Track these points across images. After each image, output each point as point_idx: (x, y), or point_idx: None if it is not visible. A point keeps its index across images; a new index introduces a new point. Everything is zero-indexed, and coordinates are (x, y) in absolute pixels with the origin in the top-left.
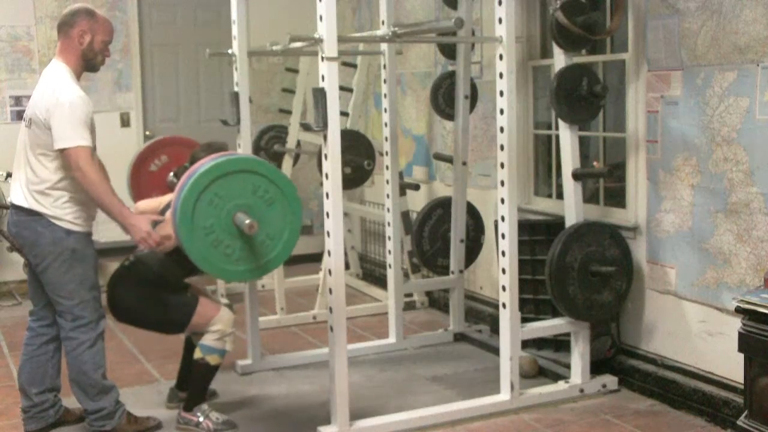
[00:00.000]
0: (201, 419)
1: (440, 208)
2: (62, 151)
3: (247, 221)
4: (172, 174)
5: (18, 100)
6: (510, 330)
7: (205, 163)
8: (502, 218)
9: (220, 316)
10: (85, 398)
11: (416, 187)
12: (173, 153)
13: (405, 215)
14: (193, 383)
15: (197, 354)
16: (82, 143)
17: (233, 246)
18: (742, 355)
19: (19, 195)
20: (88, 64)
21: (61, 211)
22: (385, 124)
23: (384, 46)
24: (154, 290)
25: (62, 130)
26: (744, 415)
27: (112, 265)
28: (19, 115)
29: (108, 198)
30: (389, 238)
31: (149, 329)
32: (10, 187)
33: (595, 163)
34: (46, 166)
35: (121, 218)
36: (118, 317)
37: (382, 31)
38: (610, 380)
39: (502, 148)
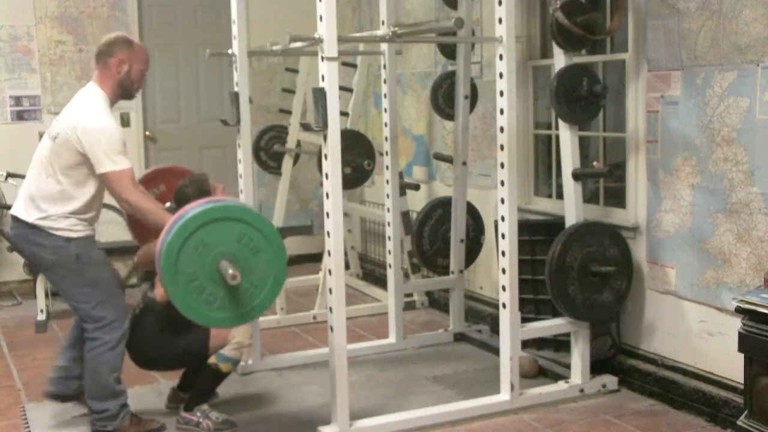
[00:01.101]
0: (201, 419)
1: (440, 208)
2: (104, 175)
3: (230, 271)
4: (168, 205)
5: (18, 100)
6: (510, 330)
7: (192, 209)
8: (502, 218)
9: (236, 330)
10: (93, 399)
11: (416, 187)
12: (171, 183)
13: (405, 215)
14: (200, 385)
15: (211, 359)
16: (123, 167)
17: (216, 294)
18: (742, 355)
19: (20, 206)
20: (125, 92)
21: (57, 224)
22: (385, 124)
23: (384, 46)
24: (167, 333)
25: (103, 155)
26: (744, 415)
27: (116, 264)
28: (19, 115)
29: (159, 218)
30: (389, 238)
31: (176, 369)
32: (14, 190)
33: (595, 163)
34: (57, 178)
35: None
36: (142, 366)
37: (382, 31)
38: (610, 380)
39: (502, 148)
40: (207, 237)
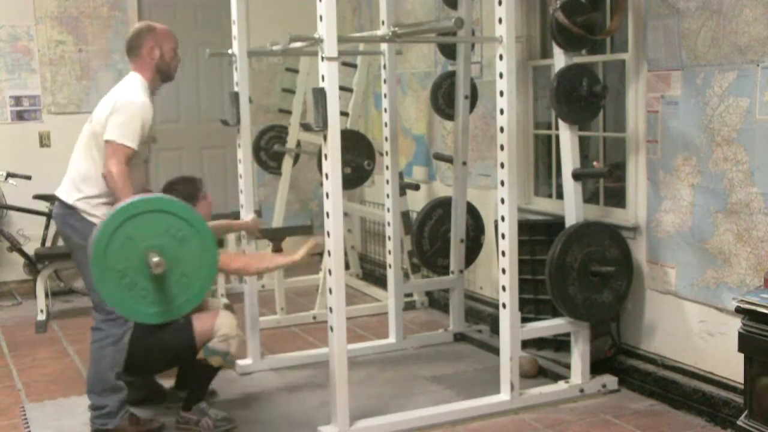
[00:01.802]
0: (200, 418)
1: (440, 208)
2: (107, 142)
3: (155, 259)
4: None
5: (18, 100)
6: (510, 330)
7: (114, 208)
8: (502, 218)
9: (221, 322)
10: (93, 393)
11: (416, 187)
12: None
13: (405, 215)
14: (193, 383)
15: (199, 354)
16: (126, 142)
17: (148, 288)
18: (742, 355)
19: (62, 188)
20: (163, 75)
21: (93, 209)
22: (385, 124)
23: (384, 46)
24: (148, 332)
25: (114, 125)
26: (744, 415)
27: None
28: (19, 115)
29: (122, 194)
30: (389, 238)
31: (168, 368)
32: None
33: (595, 163)
34: (95, 161)
35: None
36: (137, 374)
37: (382, 31)
38: (610, 380)
39: (502, 148)
40: (132, 231)
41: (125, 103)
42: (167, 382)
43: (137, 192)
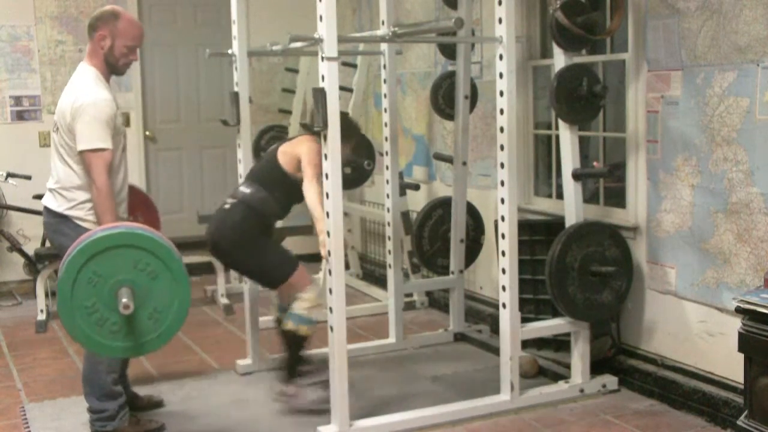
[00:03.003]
0: (298, 393)
1: (440, 208)
2: (81, 153)
3: (123, 300)
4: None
5: (18, 100)
6: (510, 330)
7: (80, 241)
8: (502, 218)
9: (312, 286)
10: (92, 396)
11: (416, 187)
12: (147, 214)
13: (405, 215)
14: (288, 355)
15: (289, 325)
16: (100, 145)
17: (119, 322)
18: (742, 355)
19: (48, 197)
20: (110, 68)
21: (84, 213)
22: (385, 124)
23: (384, 46)
24: (257, 236)
25: (82, 133)
26: (744, 415)
27: None
28: (19, 115)
29: (105, 214)
30: (389, 238)
31: (247, 275)
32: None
33: (595, 163)
34: (72, 168)
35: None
36: (219, 258)
37: (382, 31)
38: (610, 380)
39: (502, 148)
40: (100, 268)
41: (82, 107)
42: (171, 385)
43: (120, 194)
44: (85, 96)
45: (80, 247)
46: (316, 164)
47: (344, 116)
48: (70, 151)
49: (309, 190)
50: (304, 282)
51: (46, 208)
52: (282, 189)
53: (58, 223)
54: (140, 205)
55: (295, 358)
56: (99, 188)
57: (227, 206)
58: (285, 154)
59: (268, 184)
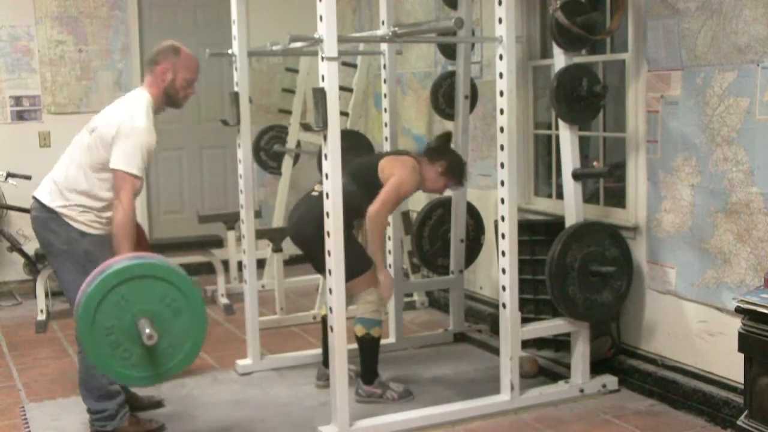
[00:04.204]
0: (384, 390)
1: (440, 208)
2: (114, 171)
3: (147, 331)
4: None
5: (18, 100)
6: (510, 330)
7: (117, 262)
8: (502, 218)
9: (376, 287)
10: (90, 398)
11: None
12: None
13: (405, 215)
14: (365, 358)
15: (360, 332)
16: (136, 172)
17: (132, 350)
18: (742, 355)
19: (44, 190)
20: (170, 100)
21: (78, 215)
22: (385, 124)
23: (384, 46)
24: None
25: (123, 153)
26: (744, 415)
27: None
28: (19, 115)
29: (125, 239)
30: (389, 238)
31: (316, 265)
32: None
33: (595, 163)
34: (86, 175)
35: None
36: (299, 245)
37: (382, 31)
38: (610, 380)
39: (502, 148)
40: (130, 293)
41: (131, 129)
42: (171, 387)
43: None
44: (139, 120)
45: (117, 268)
46: (394, 199)
47: (447, 137)
48: (93, 158)
49: (373, 220)
50: (370, 284)
51: (37, 201)
52: (370, 193)
53: (48, 219)
54: None
55: (374, 359)
56: (125, 211)
57: (315, 193)
58: (385, 169)
59: (361, 182)
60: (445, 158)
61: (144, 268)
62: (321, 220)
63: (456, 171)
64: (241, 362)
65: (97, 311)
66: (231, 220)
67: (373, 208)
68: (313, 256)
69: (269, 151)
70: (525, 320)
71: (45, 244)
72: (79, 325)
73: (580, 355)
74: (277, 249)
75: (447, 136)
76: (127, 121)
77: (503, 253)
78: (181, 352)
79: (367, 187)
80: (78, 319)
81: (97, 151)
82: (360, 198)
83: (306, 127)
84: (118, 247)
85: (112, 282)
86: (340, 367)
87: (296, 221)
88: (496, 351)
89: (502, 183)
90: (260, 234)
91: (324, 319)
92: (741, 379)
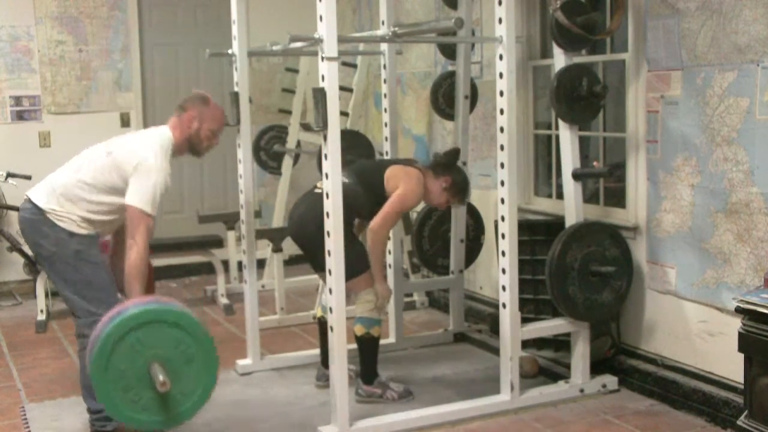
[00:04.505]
0: (384, 390)
1: None
2: (129, 206)
3: (161, 378)
4: None
5: (18, 100)
6: (510, 330)
7: (134, 305)
8: (502, 218)
9: (373, 287)
10: (89, 397)
11: None
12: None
13: (405, 215)
14: (364, 358)
15: (360, 331)
16: (149, 211)
17: (142, 395)
18: (742, 355)
19: (40, 191)
20: (192, 148)
21: (65, 216)
22: (385, 124)
23: (384, 46)
24: (345, 236)
25: (140, 190)
26: (744, 415)
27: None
28: (19, 115)
29: (136, 278)
30: (389, 238)
31: (316, 265)
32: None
33: (595, 163)
34: (88, 196)
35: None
36: (300, 243)
37: (382, 31)
38: (610, 380)
39: (502, 148)
40: (146, 337)
41: (153, 168)
42: None
43: (113, 224)
44: (160, 161)
45: (137, 311)
46: (397, 213)
47: (455, 154)
48: (103, 179)
49: (375, 234)
50: (368, 284)
51: (30, 200)
52: (372, 198)
53: (37, 221)
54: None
55: (373, 359)
56: (140, 251)
57: (318, 191)
58: (391, 179)
59: (366, 184)
60: (450, 174)
61: (161, 313)
62: (321, 219)
63: (460, 189)
64: (241, 362)
65: (112, 353)
66: (231, 220)
67: (376, 223)
68: (312, 255)
69: (269, 151)
70: (525, 320)
71: (34, 246)
72: (93, 365)
73: (580, 355)
74: (277, 249)
75: (455, 153)
76: (148, 158)
77: (503, 253)
78: (190, 400)
79: (370, 191)
80: (93, 360)
81: (109, 173)
82: (363, 199)
83: (306, 127)
84: (129, 288)
85: (132, 324)
86: (340, 367)
87: (296, 220)
88: (496, 351)
89: (502, 183)
90: (260, 234)
91: (321, 320)
92: (741, 379)
